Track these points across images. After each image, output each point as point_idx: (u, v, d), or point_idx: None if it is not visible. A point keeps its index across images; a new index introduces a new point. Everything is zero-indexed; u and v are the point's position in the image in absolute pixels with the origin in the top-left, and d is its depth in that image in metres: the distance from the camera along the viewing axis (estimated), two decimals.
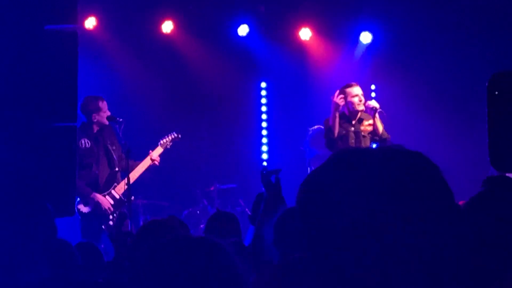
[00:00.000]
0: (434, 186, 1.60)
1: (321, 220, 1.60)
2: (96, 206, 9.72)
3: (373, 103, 9.72)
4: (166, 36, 12.56)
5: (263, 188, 12.87)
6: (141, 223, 11.79)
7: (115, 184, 9.92)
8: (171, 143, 10.45)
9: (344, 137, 9.68)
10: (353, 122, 9.78)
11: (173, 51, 12.69)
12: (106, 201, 9.79)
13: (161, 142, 10.40)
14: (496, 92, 2.89)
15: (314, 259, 1.61)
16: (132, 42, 12.41)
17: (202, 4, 12.33)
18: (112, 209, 9.80)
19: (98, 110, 9.76)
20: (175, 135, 10.50)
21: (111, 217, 9.81)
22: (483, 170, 10.00)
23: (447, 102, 12.52)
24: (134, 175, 9.88)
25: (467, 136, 11.63)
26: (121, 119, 9.59)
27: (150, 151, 10.25)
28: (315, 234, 1.61)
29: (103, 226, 9.77)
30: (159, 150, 10.33)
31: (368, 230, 1.55)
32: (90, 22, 12.07)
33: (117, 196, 9.89)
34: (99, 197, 9.75)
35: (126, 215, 9.63)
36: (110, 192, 9.88)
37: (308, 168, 11.59)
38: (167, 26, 12.48)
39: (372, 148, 1.67)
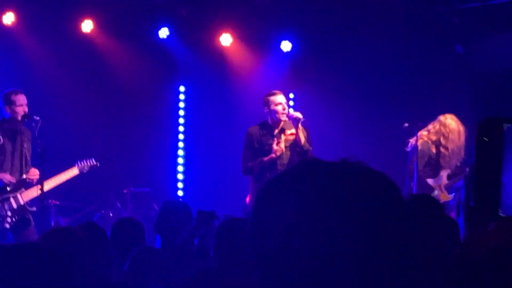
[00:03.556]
0: (395, 209, 1.61)
1: (271, 228, 1.59)
2: None
3: (296, 113, 9.55)
4: (85, 35, 12.37)
5: (176, 195, 12.80)
6: (53, 224, 11.61)
7: (23, 189, 9.52)
8: (88, 169, 10.25)
9: (266, 153, 9.56)
10: (275, 132, 9.67)
11: (93, 50, 12.52)
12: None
13: (79, 165, 10.16)
14: (485, 138, 2.89)
15: (257, 265, 1.60)
16: (51, 40, 12.16)
17: (123, 5, 12.19)
18: (7, 211, 9.48)
19: (10, 103, 9.47)
20: (94, 162, 10.28)
21: (8, 219, 9.43)
22: (400, 176, 10.20)
23: (363, 109, 12.69)
24: (50, 184, 9.64)
25: (386, 142, 11.75)
26: (37, 118, 9.38)
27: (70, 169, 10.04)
28: (264, 242, 1.60)
29: None
30: (74, 171, 10.10)
31: (318, 245, 1.55)
32: (9, 18, 11.78)
33: (21, 202, 9.49)
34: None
35: (28, 222, 9.40)
36: (16, 196, 9.49)
37: None
38: (87, 25, 12.29)
39: (336, 162, 1.66)
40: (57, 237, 4.29)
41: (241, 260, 3.94)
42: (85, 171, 10.20)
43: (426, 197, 5.99)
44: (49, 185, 9.63)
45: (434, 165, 10.27)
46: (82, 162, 10.17)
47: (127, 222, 6.30)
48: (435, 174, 10.25)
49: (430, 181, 10.19)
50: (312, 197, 1.58)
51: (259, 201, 1.66)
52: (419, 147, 9.97)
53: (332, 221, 1.56)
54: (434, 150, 10.22)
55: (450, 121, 10.20)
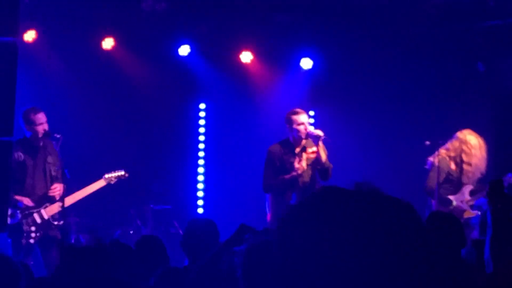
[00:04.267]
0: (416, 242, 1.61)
1: (295, 258, 1.59)
2: (21, 220, 9.41)
3: (317, 131, 9.58)
4: (106, 52, 12.42)
5: (196, 213, 12.79)
6: (73, 241, 11.61)
7: (47, 204, 9.54)
8: (116, 180, 10.26)
9: (287, 171, 9.58)
10: (296, 150, 9.68)
11: (113, 68, 12.56)
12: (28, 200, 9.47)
13: (106, 176, 10.19)
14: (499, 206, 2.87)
15: None
16: (72, 58, 12.22)
17: (144, 22, 12.22)
18: (31, 227, 9.46)
19: (30, 122, 9.49)
20: (123, 173, 10.30)
21: (32, 235, 9.43)
22: (423, 196, 10.17)
23: (384, 127, 12.67)
24: (75, 197, 9.66)
25: (408, 160, 11.70)
26: (59, 136, 9.40)
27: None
28: (289, 269, 1.60)
29: (23, 241, 9.42)
30: (101, 183, 10.13)
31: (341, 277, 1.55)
32: (30, 35, 11.84)
33: (46, 217, 9.51)
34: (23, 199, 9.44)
35: (54, 239, 9.39)
36: (39, 211, 9.52)
37: None
38: (108, 43, 12.33)
39: (352, 191, 1.66)
40: (90, 256, 4.29)
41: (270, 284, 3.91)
42: (112, 182, 10.23)
43: (445, 215, 5.96)
44: (74, 198, 9.67)
45: (454, 181, 10.23)
46: (109, 174, 10.20)
47: (151, 240, 6.29)
48: (455, 191, 10.21)
49: (451, 197, 10.14)
50: (333, 226, 1.59)
51: (282, 229, 1.67)
52: (437, 164, 9.95)
53: (352, 250, 1.57)
54: (453, 167, 10.20)
55: (470, 137, 10.19)
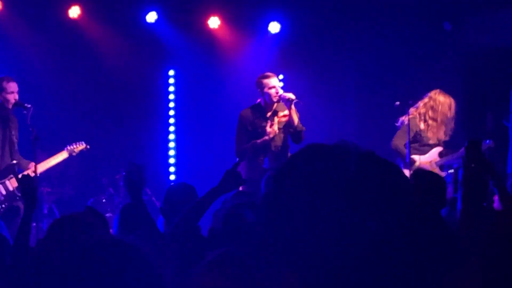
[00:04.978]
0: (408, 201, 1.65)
1: (285, 215, 1.61)
2: None
3: (289, 94, 9.52)
4: (73, 21, 12.30)
5: (168, 179, 12.63)
6: (45, 211, 11.59)
7: (11, 175, 9.41)
8: (78, 152, 10.22)
9: (259, 135, 9.55)
10: (268, 114, 9.65)
11: (81, 36, 12.44)
12: None
13: (68, 148, 10.15)
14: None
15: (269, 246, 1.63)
16: (38, 26, 12.10)
17: None
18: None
19: (1, 90, 9.40)
20: (84, 146, 10.27)
21: None
22: (395, 156, 10.26)
23: (354, 89, 12.74)
24: (39, 169, 9.58)
25: (378, 122, 11.77)
26: (29, 105, 9.33)
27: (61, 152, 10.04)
28: (277, 222, 1.63)
29: None
30: (64, 155, 10.09)
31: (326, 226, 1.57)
32: None
33: (11, 188, 9.44)
34: None
35: (18, 209, 9.30)
36: (4, 182, 9.44)
37: None
38: (74, 11, 12.21)
39: (333, 146, 1.68)
40: (65, 226, 4.27)
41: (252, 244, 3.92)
42: (74, 154, 10.19)
43: (429, 173, 6.01)
44: (38, 169, 9.60)
45: (423, 141, 10.36)
46: (71, 146, 10.16)
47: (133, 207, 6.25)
48: (423, 151, 10.34)
49: (416, 157, 10.27)
50: (321, 183, 1.61)
51: (271, 189, 1.69)
52: (406, 122, 10.08)
53: (342, 206, 1.59)
54: (422, 127, 10.33)
55: (439, 95, 10.34)
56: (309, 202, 1.60)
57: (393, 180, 1.65)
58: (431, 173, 6.07)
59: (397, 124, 10.36)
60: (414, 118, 10.27)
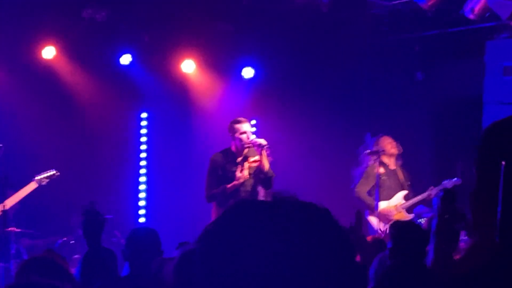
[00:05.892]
0: (334, 244, 1.66)
1: (215, 270, 1.64)
2: None
3: (260, 140, 9.56)
4: (47, 61, 12.29)
5: (138, 222, 12.51)
6: (13, 251, 11.46)
7: None
8: (47, 180, 10.15)
9: (229, 180, 9.55)
10: (238, 159, 9.66)
11: (55, 77, 12.41)
12: None
13: (37, 178, 10.09)
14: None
15: None
16: (12, 66, 12.06)
17: (85, 31, 12.13)
18: None
19: None
20: (53, 172, 10.21)
21: None
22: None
23: (326, 134, 12.80)
24: (9, 203, 9.51)
25: (348, 168, 11.83)
26: (0, 145, 9.29)
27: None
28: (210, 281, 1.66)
29: None
30: (32, 185, 10.02)
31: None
32: None
33: None
34: None
35: None
36: None
37: None
38: (49, 52, 12.20)
39: (268, 201, 1.72)
40: (35, 268, 4.25)
41: None
42: (44, 183, 10.12)
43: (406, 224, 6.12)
44: (7, 204, 9.54)
45: (383, 185, 10.75)
46: (39, 175, 10.10)
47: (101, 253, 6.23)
48: (387, 196, 10.73)
49: (381, 202, 10.55)
50: (248, 237, 1.64)
51: (202, 242, 1.72)
52: (366, 169, 10.70)
53: (270, 258, 1.62)
54: (381, 170, 10.75)
55: (384, 139, 10.86)
56: (234, 258, 1.64)
57: (322, 227, 1.69)
58: (410, 224, 6.19)
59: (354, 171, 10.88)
60: (372, 165, 10.65)
